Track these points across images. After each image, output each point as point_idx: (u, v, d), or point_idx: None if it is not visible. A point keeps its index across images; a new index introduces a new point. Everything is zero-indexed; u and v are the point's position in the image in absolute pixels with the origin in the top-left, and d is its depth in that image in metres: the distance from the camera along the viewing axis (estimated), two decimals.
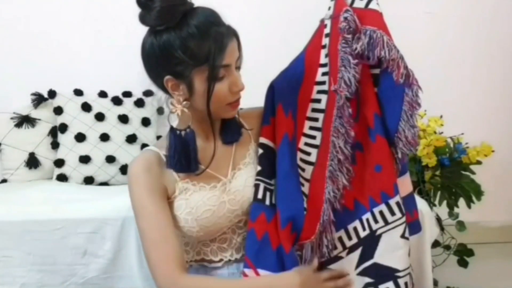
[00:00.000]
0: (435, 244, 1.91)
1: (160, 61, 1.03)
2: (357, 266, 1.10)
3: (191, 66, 1.00)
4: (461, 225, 2.00)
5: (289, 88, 1.15)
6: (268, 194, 1.14)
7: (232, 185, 1.14)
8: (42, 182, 2.13)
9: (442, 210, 1.99)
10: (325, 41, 1.11)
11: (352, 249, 1.10)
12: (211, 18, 1.02)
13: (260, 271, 1.08)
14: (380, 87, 1.10)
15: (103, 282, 1.57)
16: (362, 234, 1.09)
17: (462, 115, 2.35)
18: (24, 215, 1.58)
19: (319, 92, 1.11)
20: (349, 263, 1.10)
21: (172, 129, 1.08)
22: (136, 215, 1.08)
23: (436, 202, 1.98)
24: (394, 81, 1.06)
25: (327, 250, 1.08)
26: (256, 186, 1.14)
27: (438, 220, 1.92)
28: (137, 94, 2.29)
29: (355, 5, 1.09)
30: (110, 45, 2.40)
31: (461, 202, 1.98)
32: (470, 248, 2.03)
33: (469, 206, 1.96)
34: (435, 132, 1.99)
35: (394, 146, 1.10)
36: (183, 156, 1.07)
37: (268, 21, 2.45)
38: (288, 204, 1.09)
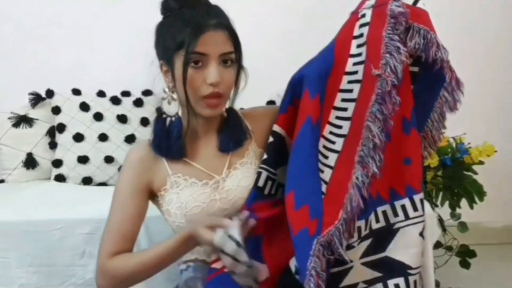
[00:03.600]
0: (437, 245, 1.90)
1: (156, 44, 1.11)
2: (362, 256, 1.07)
3: (172, 50, 1.04)
4: (463, 226, 2.00)
5: (318, 75, 1.13)
6: (269, 183, 1.14)
7: (225, 183, 1.14)
8: (40, 182, 2.12)
9: (444, 211, 1.98)
10: (360, 31, 1.09)
11: (362, 239, 1.07)
12: (204, 11, 1.05)
13: None
14: (419, 86, 1.09)
15: None
16: (375, 226, 1.06)
17: (464, 115, 2.32)
18: (22, 216, 1.58)
19: (350, 82, 1.09)
20: (354, 251, 1.06)
21: (157, 113, 1.12)
22: (112, 197, 1.13)
23: (438, 203, 1.97)
24: (432, 83, 1.06)
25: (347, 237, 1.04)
26: (258, 174, 1.14)
27: (440, 221, 1.91)
28: (136, 93, 2.28)
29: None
30: (108, 45, 2.39)
31: (463, 202, 1.97)
32: (472, 249, 2.03)
33: (471, 207, 1.95)
34: None
35: None
36: (163, 140, 1.10)
37: (268, 24, 2.44)
38: (304, 186, 1.06)
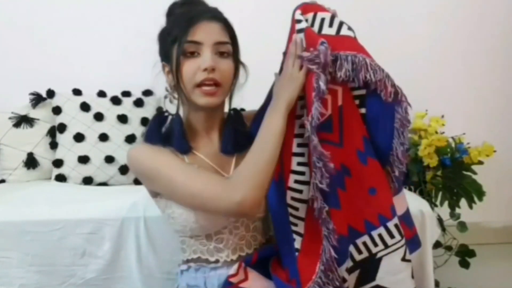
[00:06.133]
0: (437, 244, 1.90)
1: (159, 48, 1.14)
2: (355, 286, 1.10)
3: (169, 45, 1.07)
4: (462, 226, 1.99)
5: None
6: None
7: None
8: (41, 182, 2.12)
9: (444, 211, 1.98)
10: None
11: (349, 272, 1.08)
12: (202, 8, 1.10)
13: (249, 269, 1.11)
14: (369, 108, 1.07)
15: (102, 283, 1.56)
16: (358, 257, 1.08)
17: (463, 115, 2.35)
18: (22, 216, 1.57)
19: (301, 126, 1.06)
20: (346, 283, 1.09)
21: (157, 111, 1.12)
22: (167, 180, 1.04)
23: (438, 203, 1.98)
24: (383, 101, 1.04)
25: (337, 284, 1.03)
26: None
27: (440, 220, 1.91)
28: (136, 94, 2.28)
29: (324, 32, 1.05)
30: (109, 45, 2.39)
31: (463, 202, 1.97)
32: (472, 249, 2.03)
33: (470, 207, 1.95)
34: (436, 132, 1.99)
35: (390, 165, 1.09)
36: (165, 135, 1.10)
37: (270, 24, 2.44)
38: (283, 249, 1.10)
